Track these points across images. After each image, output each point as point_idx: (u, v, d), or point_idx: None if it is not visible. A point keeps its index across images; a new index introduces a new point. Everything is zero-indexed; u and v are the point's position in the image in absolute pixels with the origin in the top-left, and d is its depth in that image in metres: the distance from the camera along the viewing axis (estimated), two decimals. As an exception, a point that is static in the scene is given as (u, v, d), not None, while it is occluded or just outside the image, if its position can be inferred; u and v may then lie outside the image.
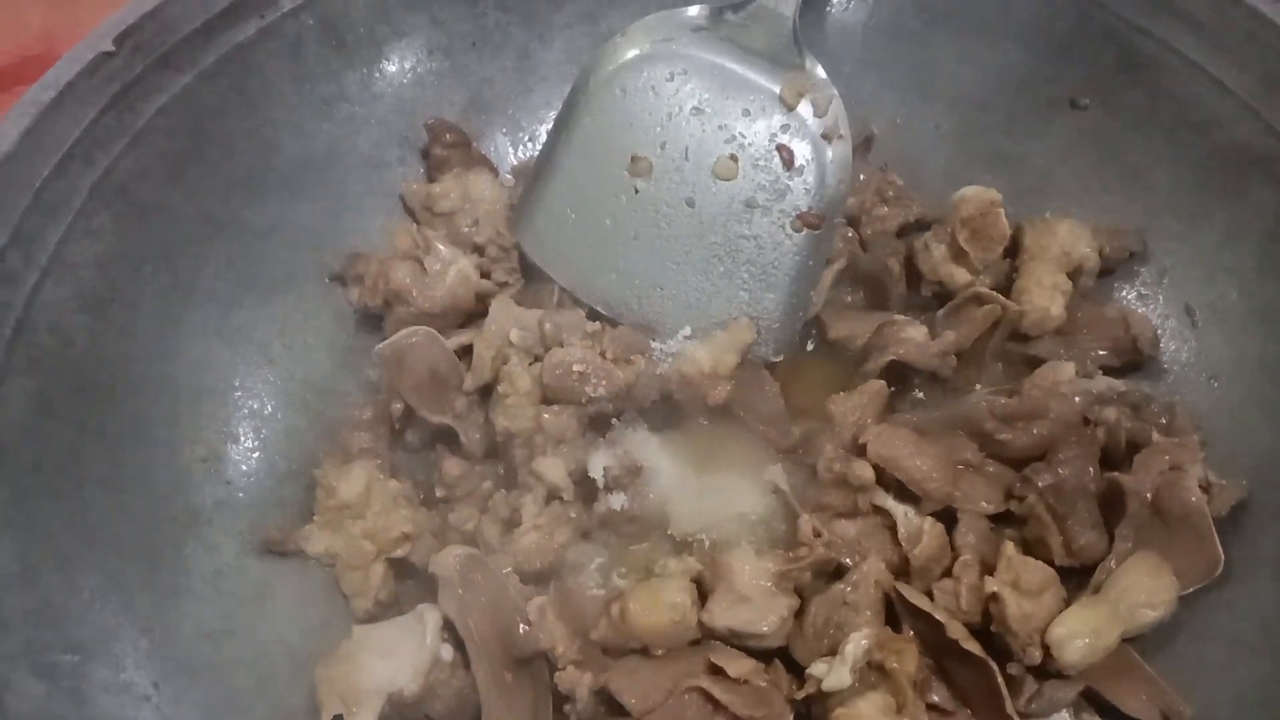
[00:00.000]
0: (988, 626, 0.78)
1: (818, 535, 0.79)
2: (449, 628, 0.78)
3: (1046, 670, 0.77)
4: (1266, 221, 0.87)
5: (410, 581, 0.86)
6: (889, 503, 0.82)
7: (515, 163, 1.06)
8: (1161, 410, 0.87)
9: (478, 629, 0.77)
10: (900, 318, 0.93)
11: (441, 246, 0.92)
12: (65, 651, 0.74)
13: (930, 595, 0.79)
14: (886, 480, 0.83)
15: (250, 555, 0.86)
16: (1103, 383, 0.87)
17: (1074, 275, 0.93)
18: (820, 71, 0.89)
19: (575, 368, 0.84)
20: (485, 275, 0.95)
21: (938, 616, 0.76)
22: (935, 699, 0.77)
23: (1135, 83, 0.92)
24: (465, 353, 0.89)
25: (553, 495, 0.84)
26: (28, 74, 1.12)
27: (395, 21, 0.97)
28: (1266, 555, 0.80)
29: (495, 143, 1.05)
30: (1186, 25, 0.88)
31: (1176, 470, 0.80)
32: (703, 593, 0.78)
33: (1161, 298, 0.95)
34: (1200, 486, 0.79)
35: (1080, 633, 0.75)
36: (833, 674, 0.72)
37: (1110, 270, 0.96)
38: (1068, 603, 0.78)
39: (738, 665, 0.74)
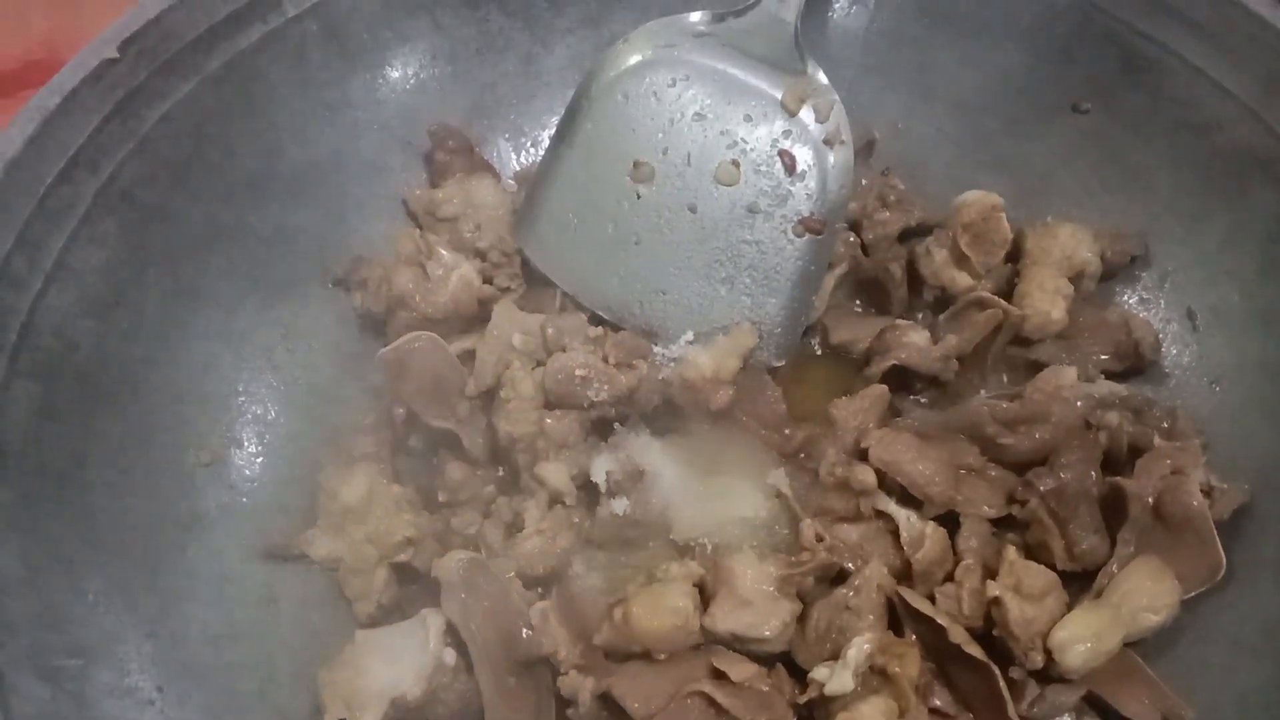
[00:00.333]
0: (990, 631, 0.78)
1: (820, 540, 0.79)
2: (452, 632, 0.78)
3: (1048, 674, 0.77)
4: (1268, 224, 0.87)
5: (413, 586, 0.86)
6: (891, 507, 0.82)
7: (518, 168, 1.06)
8: (1163, 414, 0.87)
9: (480, 633, 0.77)
10: (902, 322, 0.94)
11: (444, 252, 0.93)
12: (69, 655, 0.74)
13: (932, 599, 0.80)
14: (889, 484, 0.83)
15: (254, 559, 0.87)
16: (1104, 387, 0.87)
17: (1075, 279, 0.93)
18: (822, 76, 0.90)
19: (578, 372, 0.84)
20: (488, 280, 0.95)
21: (940, 621, 0.76)
22: (937, 703, 0.77)
23: (1136, 86, 0.92)
24: (468, 358, 0.89)
25: (555, 500, 0.84)
26: (32, 79, 1.12)
27: (398, 27, 0.98)
28: (1268, 559, 0.80)
29: (498, 148, 1.06)
30: (1187, 28, 0.88)
31: (1178, 474, 0.80)
32: (705, 597, 0.78)
33: (1163, 301, 0.95)
34: (1202, 490, 0.79)
35: (1082, 637, 0.75)
36: (835, 678, 0.72)
37: (1112, 274, 0.96)
38: (1070, 607, 0.78)
39: (740, 670, 0.74)
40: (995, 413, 0.85)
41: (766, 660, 0.78)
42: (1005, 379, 0.94)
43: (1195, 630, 0.80)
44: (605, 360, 0.86)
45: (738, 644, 0.77)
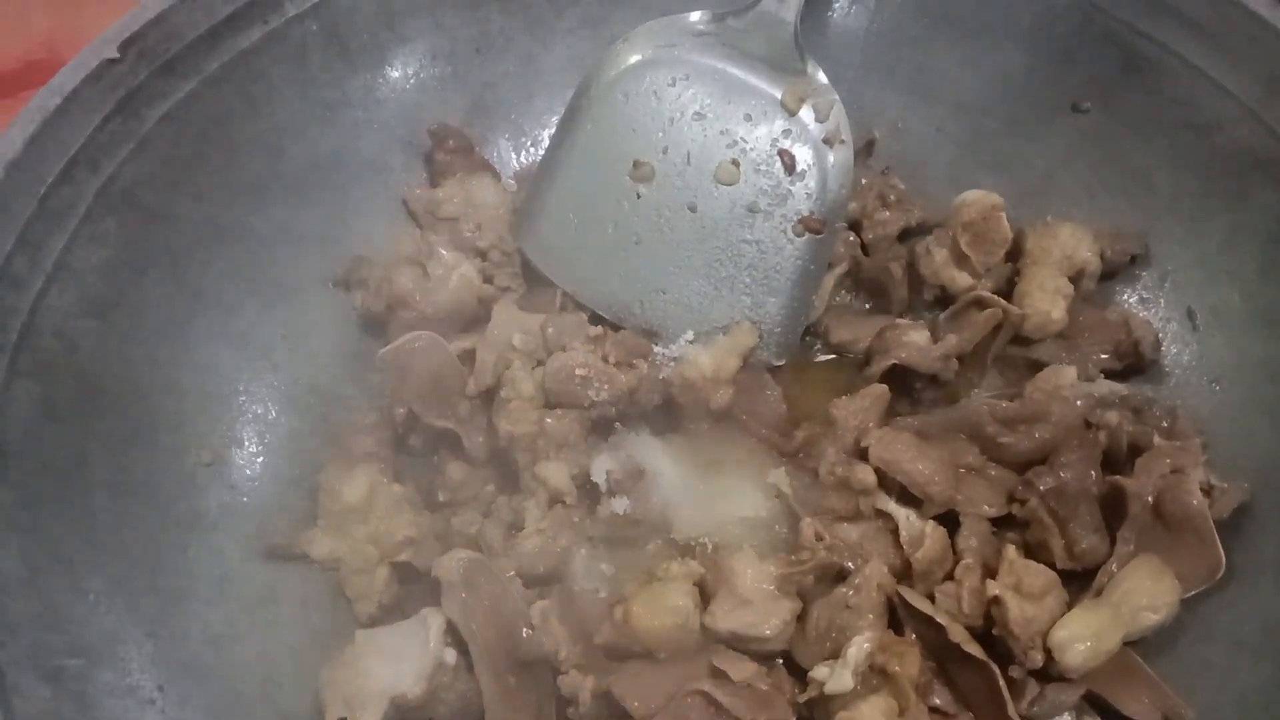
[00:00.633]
0: (990, 630, 0.78)
1: (820, 539, 0.79)
2: (452, 631, 0.78)
3: (1048, 673, 0.77)
4: (1268, 224, 0.87)
5: (414, 585, 0.86)
6: (891, 506, 0.82)
7: (518, 168, 1.06)
8: (1163, 413, 0.88)
9: (481, 633, 0.77)
10: (902, 321, 0.94)
11: (444, 251, 0.93)
12: (70, 655, 0.74)
13: (932, 598, 0.80)
14: (888, 484, 0.83)
15: (254, 559, 0.87)
16: (1104, 386, 0.87)
17: (1075, 279, 0.94)
18: (822, 76, 0.90)
19: (578, 372, 0.84)
20: (488, 280, 0.95)
21: (939, 620, 0.76)
22: (937, 702, 0.77)
23: (1136, 86, 0.93)
24: (468, 358, 0.89)
25: (555, 499, 0.84)
26: (32, 79, 1.12)
27: (399, 27, 0.98)
28: (1269, 558, 0.80)
29: (498, 148, 1.06)
30: (1188, 29, 0.88)
31: (1178, 473, 0.80)
32: (705, 596, 0.78)
33: (1163, 301, 0.95)
34: (1202, 489, 0.79)
35: (1082, 636, 0.75)
36: (835, 677, 0.72)
37: (1112, 274, 0.96)
38: (1069, 606, 0.78)
39: (740, 669, 0.74)
40: (995, 412, 0.85)
41: (767, 659, 0.78)
42: (1005, 378, 0.94)
43: (1195, 630, 0.80)
44: (605, 360, 0.86)
45: (738, 643, 0.77)
